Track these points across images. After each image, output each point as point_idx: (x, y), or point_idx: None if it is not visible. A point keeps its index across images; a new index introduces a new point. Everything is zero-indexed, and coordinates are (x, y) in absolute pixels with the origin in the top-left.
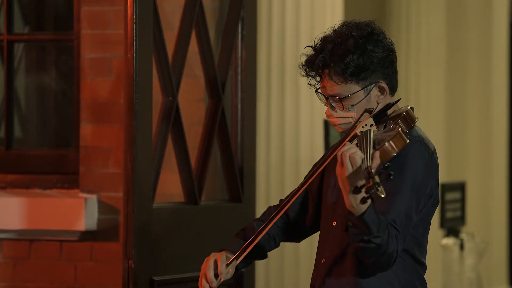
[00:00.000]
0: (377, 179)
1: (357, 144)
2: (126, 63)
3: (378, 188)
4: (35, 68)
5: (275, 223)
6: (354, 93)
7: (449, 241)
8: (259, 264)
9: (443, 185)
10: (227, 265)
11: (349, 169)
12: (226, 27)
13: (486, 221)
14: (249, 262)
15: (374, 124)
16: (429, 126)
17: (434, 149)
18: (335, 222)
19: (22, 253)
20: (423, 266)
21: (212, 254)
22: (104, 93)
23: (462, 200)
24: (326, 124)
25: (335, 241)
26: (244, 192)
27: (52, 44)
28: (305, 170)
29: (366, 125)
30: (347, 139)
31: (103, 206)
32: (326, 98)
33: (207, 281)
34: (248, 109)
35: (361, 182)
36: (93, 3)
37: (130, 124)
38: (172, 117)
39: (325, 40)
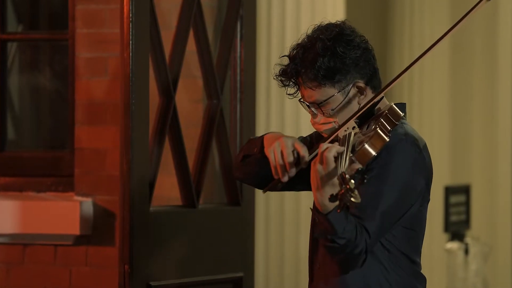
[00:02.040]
0: (351, 185)
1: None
2: (122, 63)
3: (352, 194)
4: (29, 68)
5: None
6: (331, 97)
7: (454, 245)
8: (259, 267)
9: (447, 188)
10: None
11: (320, 167)
12: (225, 26)
13: (492, 224)
14: None
15: (356, 126)
16: (433, 127)
17: (425, 145)
18: None
19: (15, 257)
20: (417, 266)
21: (283, 138)
22: (99, 94)
23: (467, 203)
24: None
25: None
26: (243, 195)
27: (47, 43)
28: None
29: (348, 128)
30: (328, 141)
31: (98, 210)
32: (308, 106)
33: (287, 170)
34: (247, 110)
35: (336, 190)
36: (88, 2)
37: (127, 126)
38: (169, 118)
39: (297, 46)
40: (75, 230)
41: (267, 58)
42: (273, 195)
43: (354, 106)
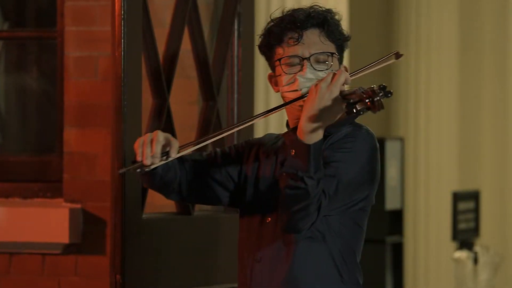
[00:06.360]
0: (377, 91)
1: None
2: (113, 62)
3: (381, 96)
4: (15, 67)
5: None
6: (336, 55)
7: (462, 254)
8: None
9: (455, 194)
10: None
11: (325, 84)
12: (222, 23)
13: (502, 232)
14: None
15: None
16: (441, 131)
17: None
18: (269, 219)
19: (1, 267)
20: (359, 266)
21: (159, 131)
22: (89, 95)
23: (476, 210)
24: None
25: (270, 238)
26: None
27: (34, 41)
28: None
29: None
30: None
31: (88, 217)
32: (301, 61)
33: (152, 154)
34: (245, 112)
35: (354, 99)
36: None
37: (118, 128)
38: (163, 121)
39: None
40: (64, 238)
41: None
42: None
43: None
